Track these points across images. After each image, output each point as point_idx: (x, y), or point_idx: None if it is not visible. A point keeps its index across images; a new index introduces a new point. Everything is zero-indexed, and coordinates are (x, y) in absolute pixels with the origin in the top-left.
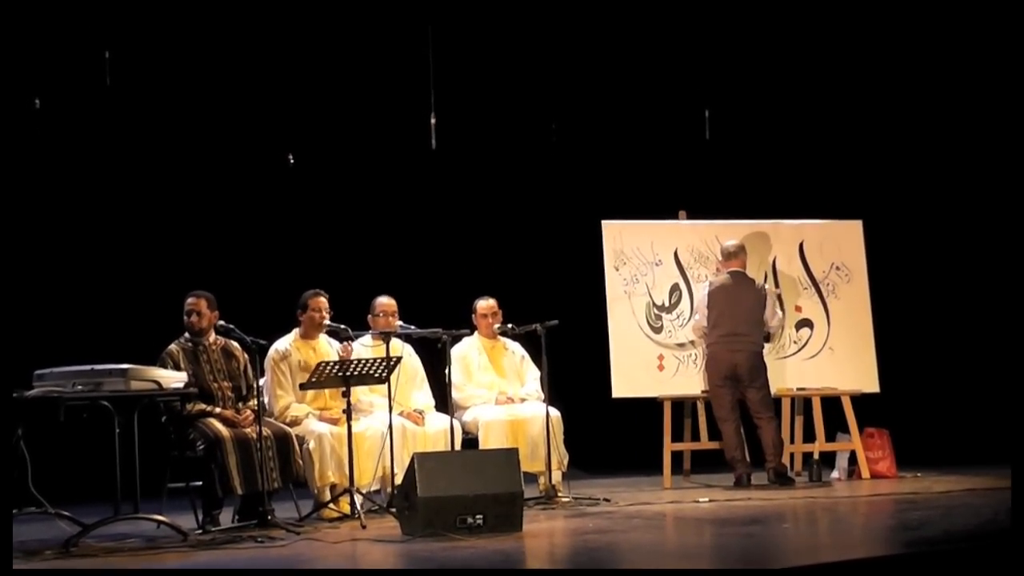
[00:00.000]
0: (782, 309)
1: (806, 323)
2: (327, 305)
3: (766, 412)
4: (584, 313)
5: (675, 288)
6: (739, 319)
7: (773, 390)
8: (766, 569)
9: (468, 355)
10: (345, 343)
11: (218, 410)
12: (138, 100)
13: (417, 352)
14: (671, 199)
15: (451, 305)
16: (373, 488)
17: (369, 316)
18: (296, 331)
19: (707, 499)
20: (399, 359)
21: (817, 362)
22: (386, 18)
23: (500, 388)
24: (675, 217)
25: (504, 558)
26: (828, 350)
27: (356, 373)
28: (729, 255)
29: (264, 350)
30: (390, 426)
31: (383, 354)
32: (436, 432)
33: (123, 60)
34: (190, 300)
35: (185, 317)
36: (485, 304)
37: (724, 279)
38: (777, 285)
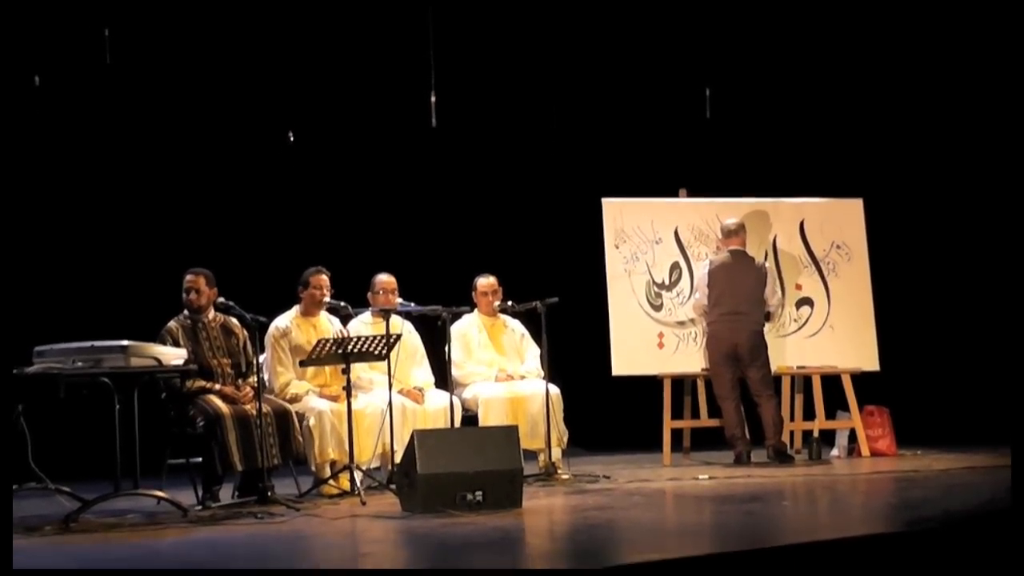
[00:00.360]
0: (781, 288)
1: (806, 301)
2: (328, 282)
3: (766, 390)
4: (584, 291)
5: (675, 266)
6: (740, 297)
7: (773, 368)
8: (766, 548)
9: (468, 332)
10: (339, 329)
11: (218, 387)
12: (138, 78)
13: (417, 329)
14: (671, 177)
15: (451, 282)
16: (373, 465)
17: (369, 293)
18: (296, 308)
19: (707, 476)
20: (399, 336)
21: (817, 340)
22: None
23: (500, 365)
24: (675, 195)
25: (503, 535)
26: (828, 328)
27: (356, 350)
28: (729, 233)
29: (264, 327)
30: (390, 403)
31: (383, 331)
32: (436, 409)
33: (123, 38)
34: (189, 277)
35: (184, 294)
36: (485, 282)
37: (724, 257)
38: (778, 263)
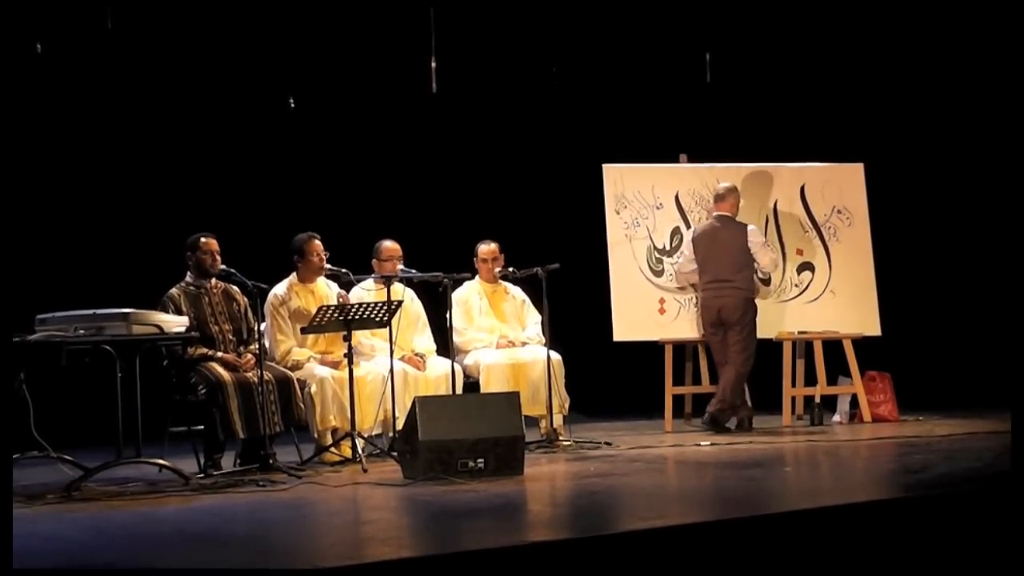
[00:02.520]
0: (783, 253)
1: (807, 266)
2: (322, 246)
3: (739, 355)
4: (585, 257)
5: (676, 231)
6: (723, 264)
7: (775, 334)
8: (768, 514)
9: (469, 299)
10: (340, 293)
11: (219, 354)
12: (139, 43)
13: (418, 296)
14: (672, 142)
15: (452, 249)
16: (374, 432)
17: (373, 260)
18: (293, 275)
19: (708, 443)
20: (400, 303)
21: (818, 305)
22: None
23: (501, 332)
24: (676, 160)
25: (505, 502)
26: (829, 293)
27: (357, 317)
28: (718, 198)
29: (265, 294)
30: (391, 370)
31: (384, 298)
32: (437, 376)
33: (124, 3)
34: (206, 240)
35: (202, 257)
36: (486, 248)
37: (708, 224)
38: (779, 228)
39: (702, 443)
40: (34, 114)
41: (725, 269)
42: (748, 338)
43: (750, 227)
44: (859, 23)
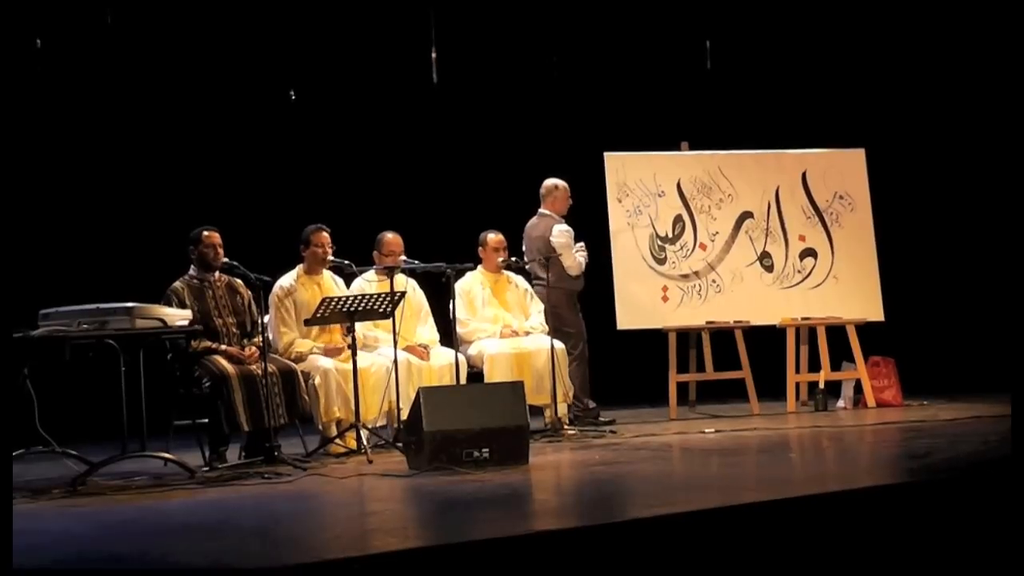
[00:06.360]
0: (785, 239)
1: (810, 252)
2: (330, 239)
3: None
4: (588, 245)
5: (678, 219)
6: (535, 262)
7: (778, 320)
8: (773, 500)
9: (472, 289)
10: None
11: (223, 347)
12: (139, 37)
13: (421, 287)
14: (673, 130)
15: (454, 239)
16: (379, 423)
17: (375, 252)
18: (299, 267)
19: (713, 430)
20: (403, 294)
21: (821, 291)
22: None
23: (505, 321)
24: (677, 148)
25: (511, 491)
26: (832, 279)
27: (361, 308)
28: (541, 196)
29: (268, 287)
30: (395, 361)
31: (387, 289)
32: (441, 366)
33: None
34: (207, 233)
35: (204, 251)
36: (495, 237)
37: (531, 221)
38: (780, 215)
39: (706, 430)
40: (35, 109)
41: (534, 265)
42: (564, 339)
43: (556, 227)
44: (859, 9)
